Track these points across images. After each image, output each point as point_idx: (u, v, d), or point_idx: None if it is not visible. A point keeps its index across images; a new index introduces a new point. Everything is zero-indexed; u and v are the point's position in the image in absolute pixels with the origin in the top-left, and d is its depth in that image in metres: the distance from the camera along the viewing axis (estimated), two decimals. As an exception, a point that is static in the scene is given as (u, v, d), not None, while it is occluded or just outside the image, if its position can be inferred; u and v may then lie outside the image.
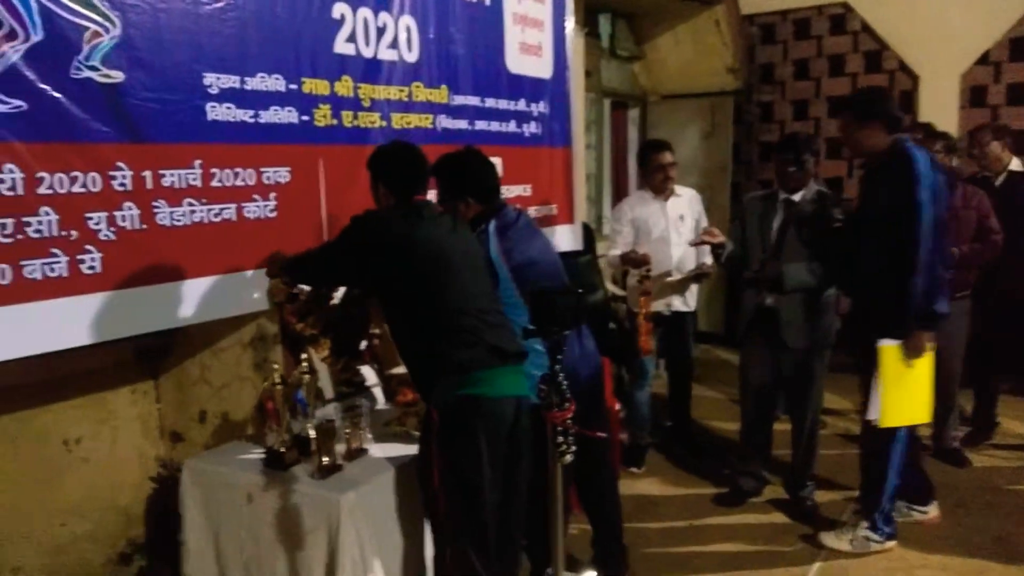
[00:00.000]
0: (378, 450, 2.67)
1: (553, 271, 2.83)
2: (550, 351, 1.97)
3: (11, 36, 2.09)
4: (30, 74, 2.12)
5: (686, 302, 4.33)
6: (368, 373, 3.12)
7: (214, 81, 2.59)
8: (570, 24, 4.57)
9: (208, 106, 2.57)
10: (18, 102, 2.10)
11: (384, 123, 3.23)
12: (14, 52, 2.10)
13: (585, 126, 5.86)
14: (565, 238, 4.58)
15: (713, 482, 4.11)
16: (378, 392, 3.14)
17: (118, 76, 2.32)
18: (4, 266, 2.08)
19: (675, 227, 4.26)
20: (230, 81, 2.64)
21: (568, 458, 1.94)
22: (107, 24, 2.29)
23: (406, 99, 3.35)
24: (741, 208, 3.99)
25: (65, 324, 2.22)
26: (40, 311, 2.15)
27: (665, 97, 6.97)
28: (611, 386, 4.05)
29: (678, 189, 4.34)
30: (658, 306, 4.20)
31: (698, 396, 4.96)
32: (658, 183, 4.25)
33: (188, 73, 2.51)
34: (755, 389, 3.83)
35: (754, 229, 3.72)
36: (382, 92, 3.23)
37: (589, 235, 4.96)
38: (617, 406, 4.22)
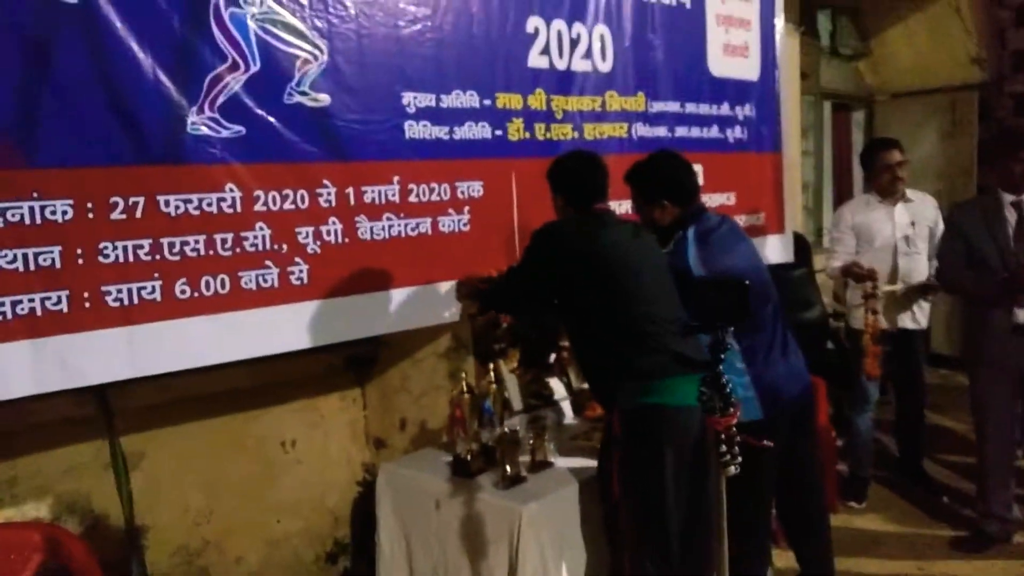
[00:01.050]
0: (563, 463, 2.63)
1: (756, 280, 2.63)
2: (712, 349, 1.80)
3: (234, 68, 2.30)
4: (249, 101, 2.32)
5: (915, 319, 3.87)
6: (557, 387, 3.10)
7: (412, 100, 2.69)
8: (780, 22, 4.30)
9: (406, 124, 2.68)
10: (238, 127, 2.31)
11: (576, 134, 3.21)
12: (236, 82, 2.31)
13: (802, 131, 5.48)
14: (775, 249, 4.29)
15: (950, 523, 3.62)
16: (566, 406, 3.10)
17: (325, 99, 2.48)
18: (223, 276, 2.28)
19: (903, 235, 3.83)
20: (427, 100, 2.73)
21: (732, 469, 1.75)
22: (316, 52, 2.47)
23: (599, 109, 3.30)
24: (953, 220, 3.50)
25: (275, 330, 2.39)
26: (254, 318, 2.34)
27: (895, 96, 6.37)
28: (827, 410, 3.71)
29: (910, 193, 3.90)
30: (883, 323, 3.78)
31: (934, 426, 4.41)
32: (885, 184, 3.85)
33: (388, 94, 2.64)
34: (998, 418, 3.34)
35: (984, 240, 3.26)
36: (574, 103, 3.20)
37: (804, 247, 4.61)
38: (833, 433, 3.86)
